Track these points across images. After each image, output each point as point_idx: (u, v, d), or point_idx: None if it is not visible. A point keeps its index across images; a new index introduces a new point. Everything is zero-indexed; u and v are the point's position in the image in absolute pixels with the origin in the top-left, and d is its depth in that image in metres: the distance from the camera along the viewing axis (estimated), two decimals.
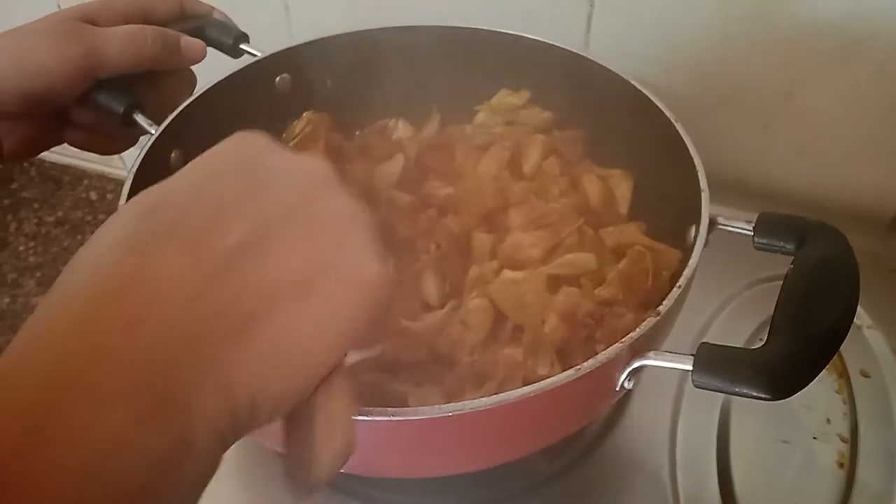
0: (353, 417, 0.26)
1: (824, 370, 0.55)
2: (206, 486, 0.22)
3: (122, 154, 0.97)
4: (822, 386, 0.55)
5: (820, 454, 0.51)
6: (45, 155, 1.03)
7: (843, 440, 0.52)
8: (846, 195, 0.68)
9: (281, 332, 0.23)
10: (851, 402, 0.54)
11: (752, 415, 0.53)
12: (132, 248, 0.22)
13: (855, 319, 0.58)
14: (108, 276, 0.22)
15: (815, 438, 0.52)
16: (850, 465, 0.50)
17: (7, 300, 0.86)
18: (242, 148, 0.27)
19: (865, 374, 0.55)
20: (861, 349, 0.57)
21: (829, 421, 0.53)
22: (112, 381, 0.20)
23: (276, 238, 0.24)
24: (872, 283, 0.61)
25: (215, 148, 0.27)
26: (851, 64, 0.60)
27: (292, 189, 0.26)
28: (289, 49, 0.57)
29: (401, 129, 0.60)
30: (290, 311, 0.23)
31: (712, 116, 0.67)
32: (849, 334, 0.58)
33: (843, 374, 0.55)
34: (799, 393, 0.54)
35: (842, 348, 0.56)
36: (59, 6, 0.85)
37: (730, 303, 0.60)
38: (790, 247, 0.41)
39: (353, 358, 0.26)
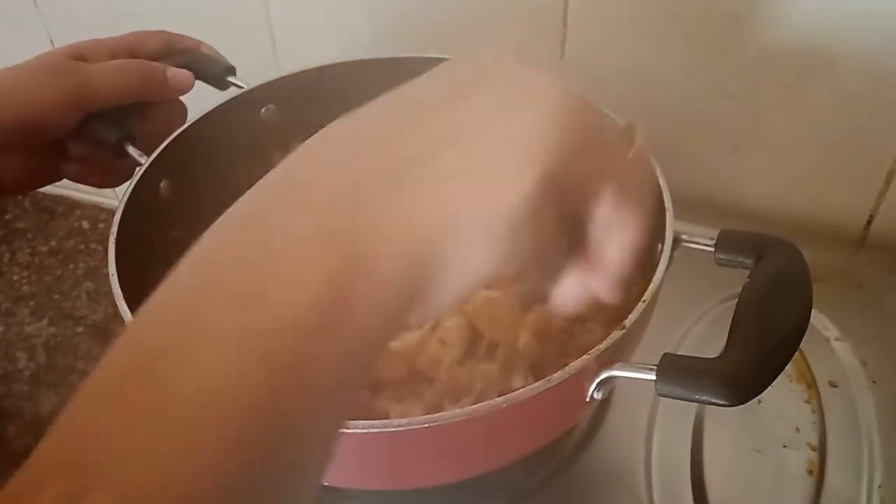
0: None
1: (794, 381, 0.58)
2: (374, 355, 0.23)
3: None
4: (792, 396, 0.57)
5: (790, 462, 0.53)
6: None
7: (813, 448, 0.54)
8: (815, 213, 0.70)
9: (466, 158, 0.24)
10: (820, 411, 0.56)
11: (725, 425, 0.55)
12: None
13: (823, 332, 0.61)
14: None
15: (785, 447, 0.54)
16: (819, 473, 0.52)
17: (1, 329, 0.88)
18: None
19: (833, 385, 0.57)
20: (829, 361, 0.59)
21: (798, 430, 0.55)
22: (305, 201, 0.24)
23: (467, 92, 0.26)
24: (841, 298, 0.64)
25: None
26: (813, 89, 0.63)
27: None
28: (274, 81, 0.60)
29: None
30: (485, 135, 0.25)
31: (683, 140, 0.69)
32: (818, 346, 0.60)
33: (812, 385, 0.57)
34: (769, 403, 0.56)
35: (811, 360, 0.59)
36: (51, 43, 0.88)
37: (704, 317, 0.62)
38: (749, 262, 0.43)
39: None
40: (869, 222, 0.68)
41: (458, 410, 0.37)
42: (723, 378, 0.36)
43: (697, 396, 0.37)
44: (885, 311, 0.63)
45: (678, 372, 0.37)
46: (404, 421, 0.37)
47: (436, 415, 0.36)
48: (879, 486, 0.51)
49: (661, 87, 0.67)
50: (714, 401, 0.36)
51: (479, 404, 0.37)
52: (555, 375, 0.38)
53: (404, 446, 0.38)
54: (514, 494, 0.52)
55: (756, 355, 0.37)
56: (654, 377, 0.38)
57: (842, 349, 0.60)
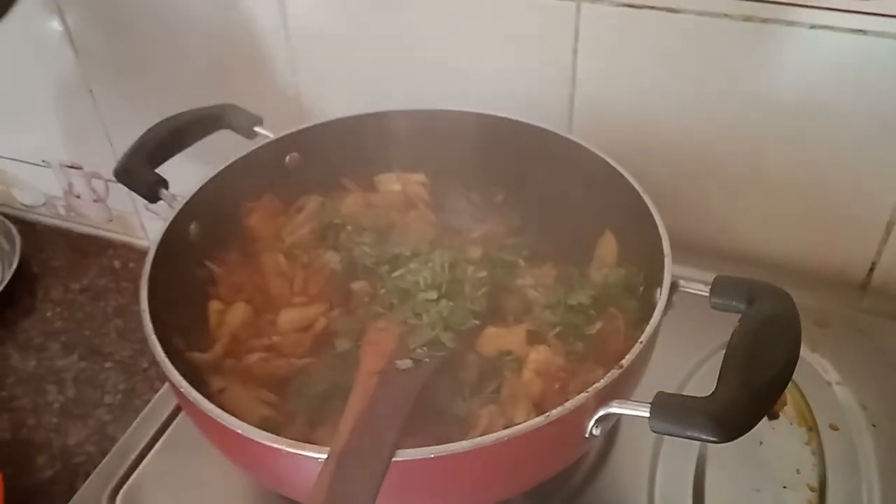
0: None
1: (796, 424, 0.60)
2: None
3: (144, 225, 1.04)
4: (793, 438, 0.58)
5: (789, 502, 0.54)
6: (72, 226, 1.10)
7: (812, 489, 0.55)
8: (818, 260, 0.72)
9: None
10: (820, 453, 0.57)
11: (726, 465, 0.56)
12: None
13: (824, 375, 0.63)
14: None
15: (784, 487, 0.55)
16: None
17: (33, 363, 0.91)
18: None
19: (834, 428, 0.59)
20: (830, 404, 0.60)
21: (798, 471, 0.56)
22: None
23: None
24: (843, 343, 0.66)
25: None
26: (809, 141, 0.65)
27: None
28: (297, 131, 0.64)
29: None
30: None
31: (686, 187, 0.72)
32: (819, 390, 0.62)
33: (813, 428, 0.59)
34: (770, 445, 0.58)
35: (812, 403, 0.61)
36: (91, 94, 0.93)
37: (707, 361, 0.64)
38: (741, 306, 0.45)
39: None
40: (871, 269, 0.70)
41: (463, 442, 0.39)
42: (713, 416, 0.39)
43: (689, 433, 0.39)
44: (886, 356, 0.64)
45: (671, 409, 0.39)
46: (411, 451, 0.39)
47: (442, 446, 0.39)
48: None
49: (663, 138, 0.70)
50: (705, 437, 0.38)
51: (483, 436, 0.39)
52: (554, 411, 0.40)
53: (411, 476, 0.40)
54: None
55: (744, 395, 0.39)
56: (647, 414, 0.40)
57: (843, 393, 0.61)
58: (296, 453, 0.40)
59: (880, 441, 0.58)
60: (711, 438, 0.38)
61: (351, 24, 0.76)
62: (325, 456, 0.39)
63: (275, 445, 0.40)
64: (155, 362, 0.93)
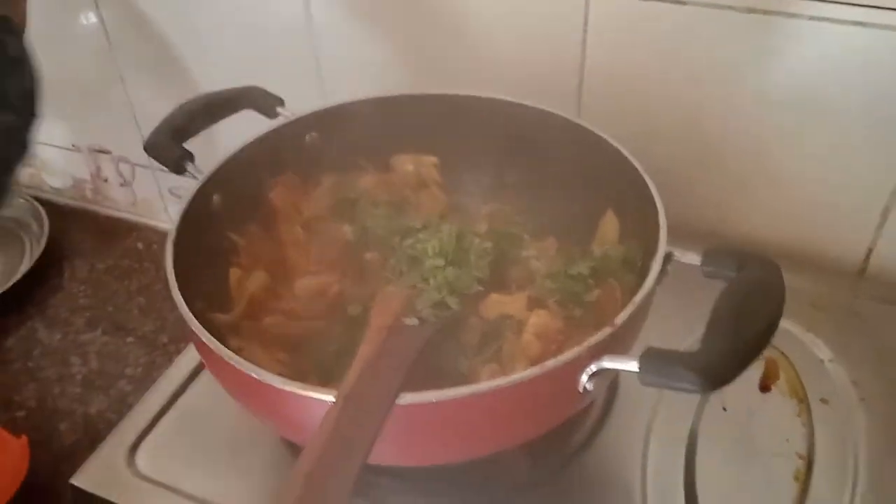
0: None
1: (787, 395, 0.62)
2: None
3: (168, 208, 1.08)
4: (784, 410, 0.61)
5: (778, 469, 0.57)
6: (98, 209, 1.15)
7: (801, 457, 0.57)
8: (817, 246, 0.74)
9: None
10: (810, 424, 0.59)
11: (718, 434, 0.59)
12: None
13: (818, 353, 0.65)
14: None
15: (774, 455, 0.57)
16: (805, 479, 0.56)
17: (58, 336, 0.95)
18: None
19: (825, 401, 0.61)
20: (822, 380, 0.63)
21: (788, 440, 0.58)
22: None
23: None
24: (838, 324, 0.68)
25: None
26: (809, 136, 0.68)
27: None
28: (318, 111, 0.67)
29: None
30: None
31: (693, 176, 0.75)
32: (812, 366, 0.65)
33: (804, 400, 0.61)
34: (762, 415, 0.61)
35: (804, 378, 0.63)
36: (122, 80, 0.97)
37: None
38: (732, 274, 0.48)
39: None
40: (867, 256, 0.72)
41: (462, 388, 0.42)
42: (697, 369, 0.41)
43: (674, 384, 0.41)
44: (880, 337, 0.66)
45: (658, 363, 0.42)
46: (414, 395, 0.42)
47: (442, 391, 0.42)
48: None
49: (667, 125, 0.73)
50: (690, 388, 0.41)
51: (482, 383, 0.42)
52: (548, 362, 0.43)
53: (414, 420, 0.43)
54: (516, 487, 0.56)
55: (726, 351, 0.42)
56: (637, 368, 0.42)
57: (835, 370, 0.64)
58: (306, 395, 0.43)
59: (869, 415, 0.60)
60: (695, 389, 0.41)
61: (369, 14, 0.79)
62: (332, 398, 0.42)
63: (287, 388, 0.43)
64: (174, 339, 0.97)
